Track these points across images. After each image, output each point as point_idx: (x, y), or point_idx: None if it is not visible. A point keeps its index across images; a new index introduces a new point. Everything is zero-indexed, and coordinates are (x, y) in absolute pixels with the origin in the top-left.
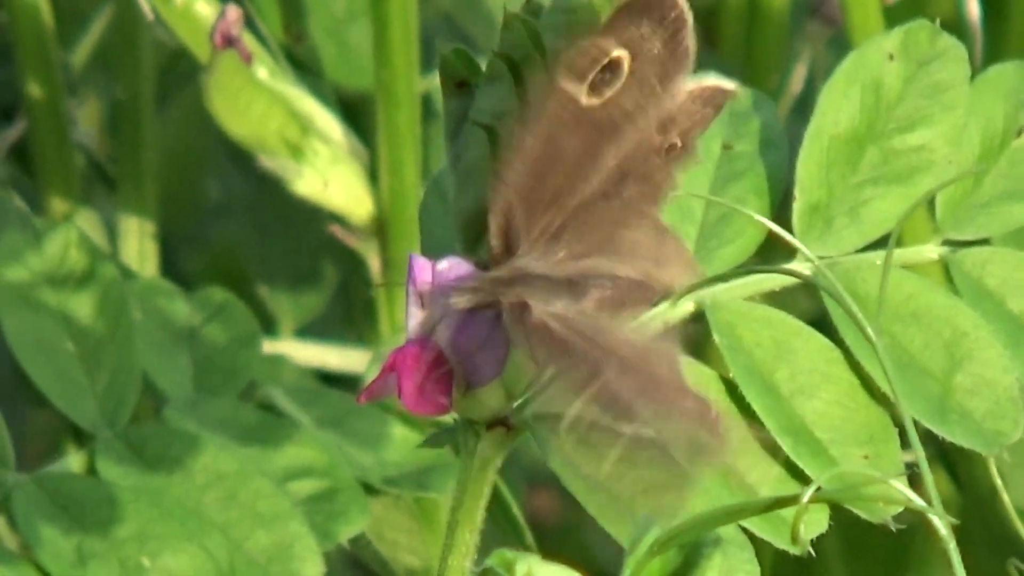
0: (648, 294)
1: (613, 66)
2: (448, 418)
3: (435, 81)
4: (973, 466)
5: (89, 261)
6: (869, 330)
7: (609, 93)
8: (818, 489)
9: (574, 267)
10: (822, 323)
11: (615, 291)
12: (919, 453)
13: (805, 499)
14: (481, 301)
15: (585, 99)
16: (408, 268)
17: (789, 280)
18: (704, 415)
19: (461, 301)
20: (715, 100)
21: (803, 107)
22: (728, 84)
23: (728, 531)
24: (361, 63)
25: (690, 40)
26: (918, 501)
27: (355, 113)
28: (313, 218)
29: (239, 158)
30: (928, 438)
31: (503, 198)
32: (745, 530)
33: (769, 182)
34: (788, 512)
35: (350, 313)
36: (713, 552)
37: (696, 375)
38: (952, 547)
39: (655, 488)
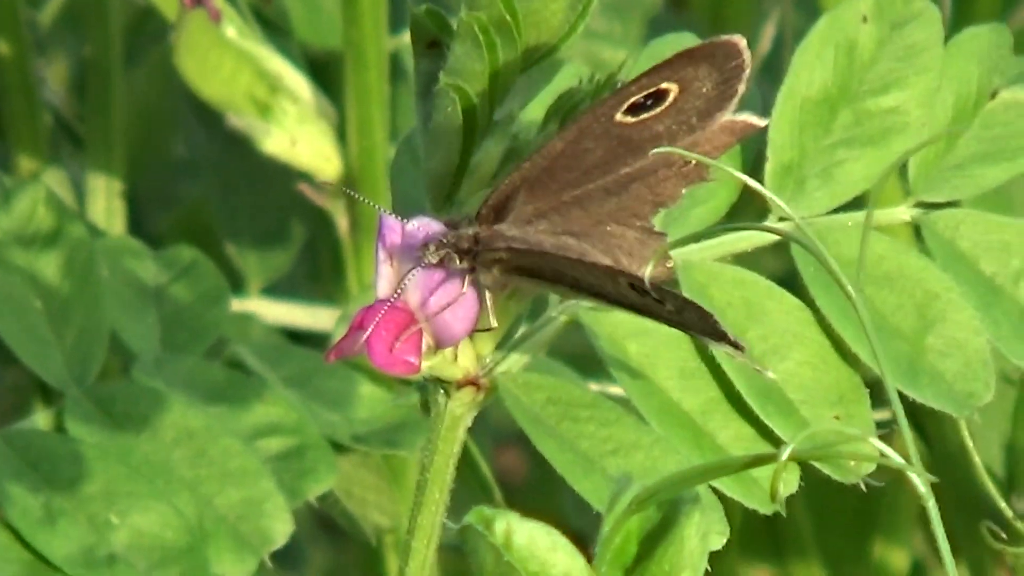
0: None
1: (659, 95)
2: (418, 377)
3: (404, 40)
4: (941, 426)
5: (57, 219)
6: (849, 287)
7: (645, 115)
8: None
9: (546, 240)
10: (787, 286)
11: None
12: (898, 410)
13: (783, 457)
14: (451, 255)
15: (620, 116)
16: (378, 227)
17: (762, 240)
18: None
19: (430, 256)
20: (743, 133)
21: (771, 67)
22: (760, 121)
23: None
24: (330, 22)
25: (742, 87)
26: (897, 458)
27: (324, 72)
28: (281, 177)
29: (206, 117)
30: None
31: (512, 183)
32: (715, 491)
33: (742, 143)
34: (759, 472)
35: (317, 271)
36: (692, 510)
37: (666, 335)
38: (931, 504)
39: (624, 447)
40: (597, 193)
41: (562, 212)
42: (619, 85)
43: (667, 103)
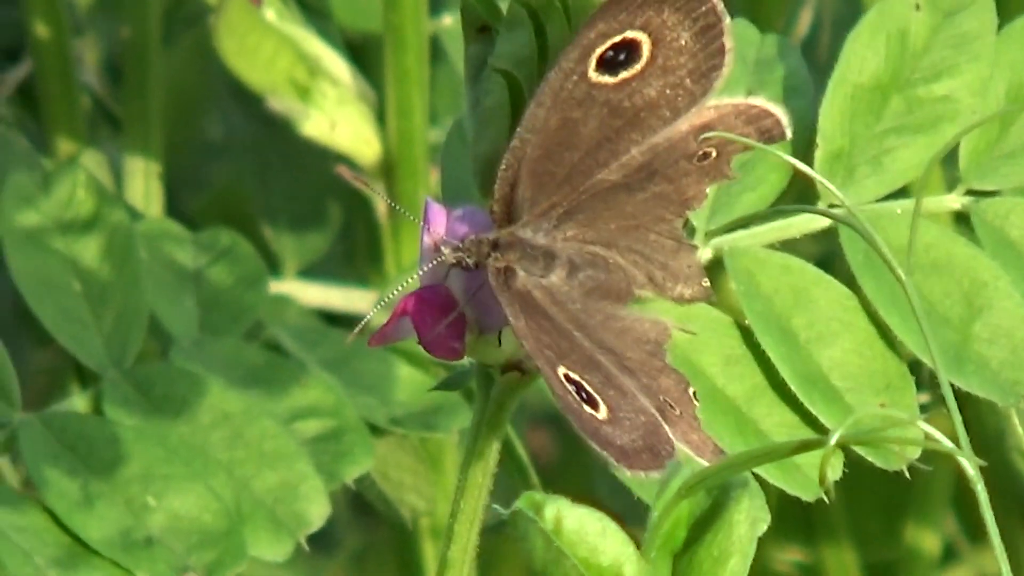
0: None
1: (629, 47)
2: (462, 362)
3: (444, 23)
4: (980, 411)
5: (96, 202)
6: (900, 272)
7: (625, 75)
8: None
9: (576, 248)
10: (830, 273)
11: (607, 281)
12: (947, 394)
13: (832, 442)
14: (465, 260)
15: (594, 75)
16: (423, 213)
17: (810, 226)
18: (682, 395)
19: (448, 257)
20: (759, 121)
21: (809, 51)
22: (775, 109)
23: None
24: (369, 5)
25: (726, 39)
26: (947, 443)
27: (363, 55)
28: (317, 159)
29: (243, 99)
30: (932, 384)
31: (509, 168)
32: (755, 476)
33: (793, 129)
34: (801, 459)
35: (352, 254)
36: (741, 495)
37: (712, 321)
38: (980, 488)
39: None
40: (618, 188)
41: (587, 211)
42: None
43: (644, 58)
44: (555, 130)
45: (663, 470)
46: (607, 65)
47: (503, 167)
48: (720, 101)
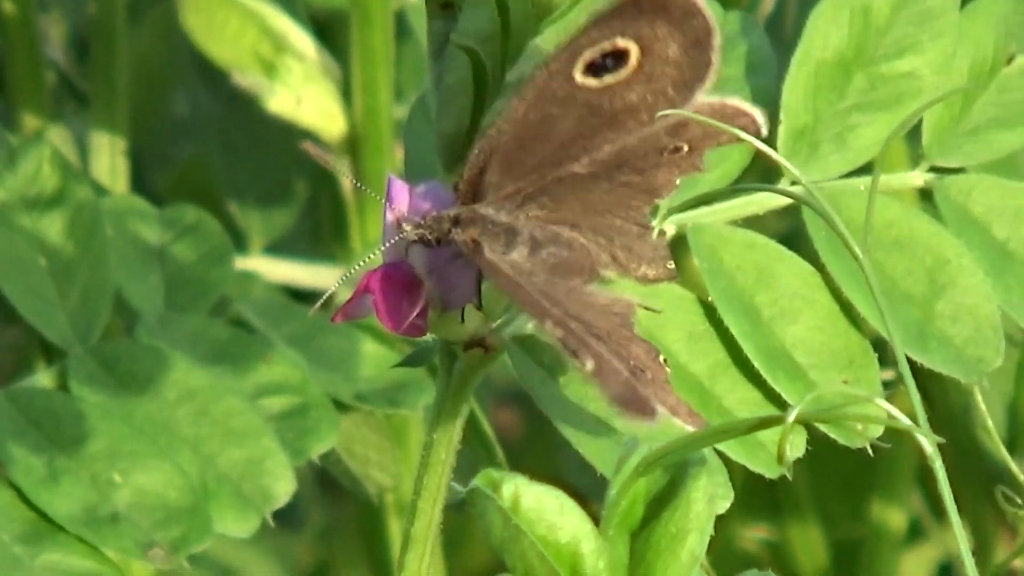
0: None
1: (617, 54)
2: (425, 338)
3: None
4: (943, 386)
5: (62, 178)
6: (857, 249)
7: (610, 80)
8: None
9: (538, 227)
10: (791, 249)
11: (570, 259)
12: (906, 374)
13: (790, 419)
14: (426, 236)
15: (580, 77)
16: (386, 190)
17: (772, 204)
18: (652, 361)
19: (410, 233)
20: (734, 120)
21: (774, 29)
22: (752, 110)
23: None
24: None
25: (715, 55)
26: (904, 420)
27: (329, 31)
28: (283, 135)
29: (210, 75)
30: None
31: (481, 153)
32: (720, 454)
33: (756, 106)
34: (764, 436)
35: (318, 231)
36: (699, 472)
37: (675, 298)
38: (938, 465)
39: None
40: (586, 177)
41: (552, 196)
42: None
43: (630, 66)
44: (532, 123)
45: (653, 421)
46: (593, 69)
47: (475, 151)
48: (696, 99)
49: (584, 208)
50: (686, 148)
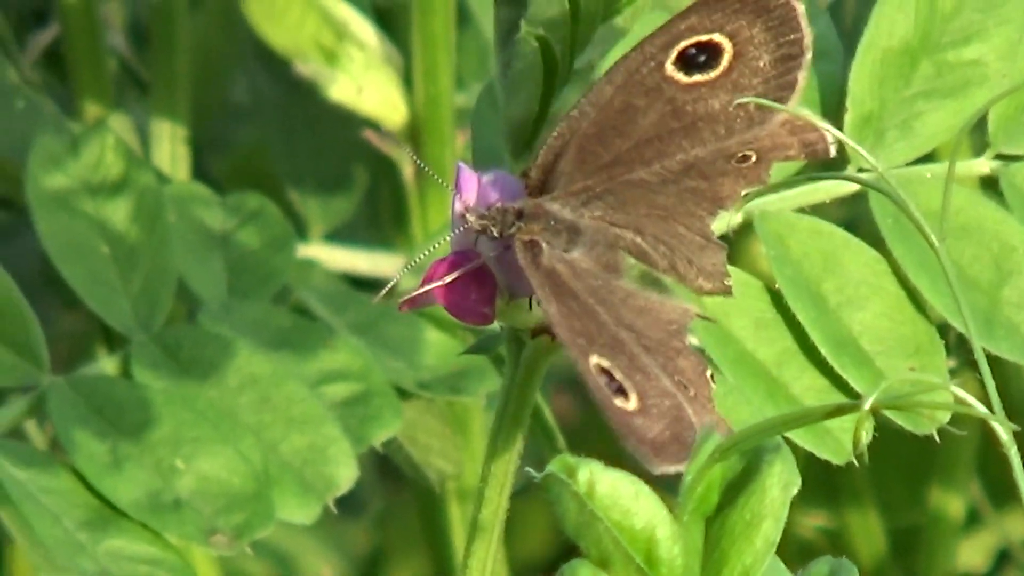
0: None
1: (712, 52)
2: (493, 326)
3: None
4: (1006, 375)
5: (125, 166)
6: (932, 236)
7: (699, 77)
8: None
9: (602, 228)
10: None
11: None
12: (980, 359)
13: (867, 406)
14: (490, 228)
15: (671, 68)
16: (455, 178)
17: (839, 191)
18: (699, 377)
19: (474, 223)
20: (803, 133)
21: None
22: (823, 126)
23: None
24: None
25: (801, 74)
26: (980, 408)
27: (390, 19)
28: (343, 123)
29: (270, 62)
30: (960, 349)
31: (561, 137)
32: (785, 440)
33: (822, 94)
34: (831, 423)
35: (378, 218)
36: (774, 459)
37: (742, 285)
38: (1013, 452)
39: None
40: (652, 179)
41: (619, 196)
42: None
43: (721, 67)
44: (615, 111)
45: (688, 461)
46: (686, 62)
47: (555, 133)
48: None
49: (649, 212)
50: (754, 157)
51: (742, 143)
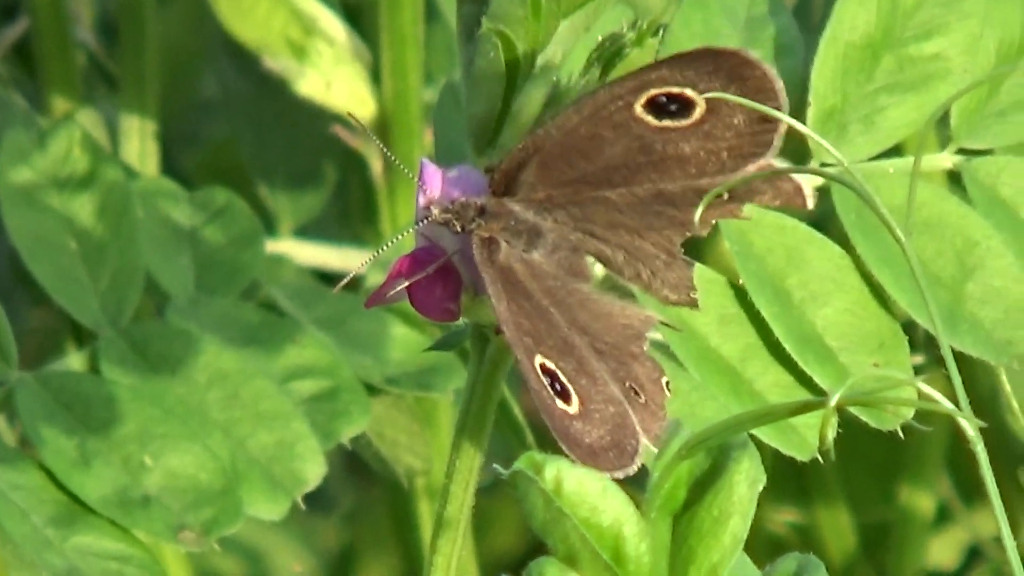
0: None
1: (684, 103)
2: (457, 322)
3: None
4: (973, 371)
5: (93, 161)
6: (898, 231)
7: (669, 123)
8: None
9: (564, 231)
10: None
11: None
12: (947, 355)
13: (832, 403)
14: (453, 222)
15: (640, 110)
16: (419, 174)
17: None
18: (652, 384)
19: (437, 217)
20: (779, 181)
21: (802, 11)
22: (803, 183)
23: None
24: None
25: (778, 139)
26: (947, 404)
27: (358, 14)
28: (313, 118)
29: (239, 57)
30: (925, 345)
31: (524, 150)
32: (752, 437)
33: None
34: (797, 419)
35: (348, 214)
36: (741, 455)
37: (705, 281)
38: (980, 448)
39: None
40: (620, 201)
41: (582, 208)
42: (661, 32)
43: (693, 118)
44: (581, 138)
45: (628, 469)
46: (656, 108)
47: (519, 146)
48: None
49: (614, 228)
50: (726, 195)
51: (713, 184)
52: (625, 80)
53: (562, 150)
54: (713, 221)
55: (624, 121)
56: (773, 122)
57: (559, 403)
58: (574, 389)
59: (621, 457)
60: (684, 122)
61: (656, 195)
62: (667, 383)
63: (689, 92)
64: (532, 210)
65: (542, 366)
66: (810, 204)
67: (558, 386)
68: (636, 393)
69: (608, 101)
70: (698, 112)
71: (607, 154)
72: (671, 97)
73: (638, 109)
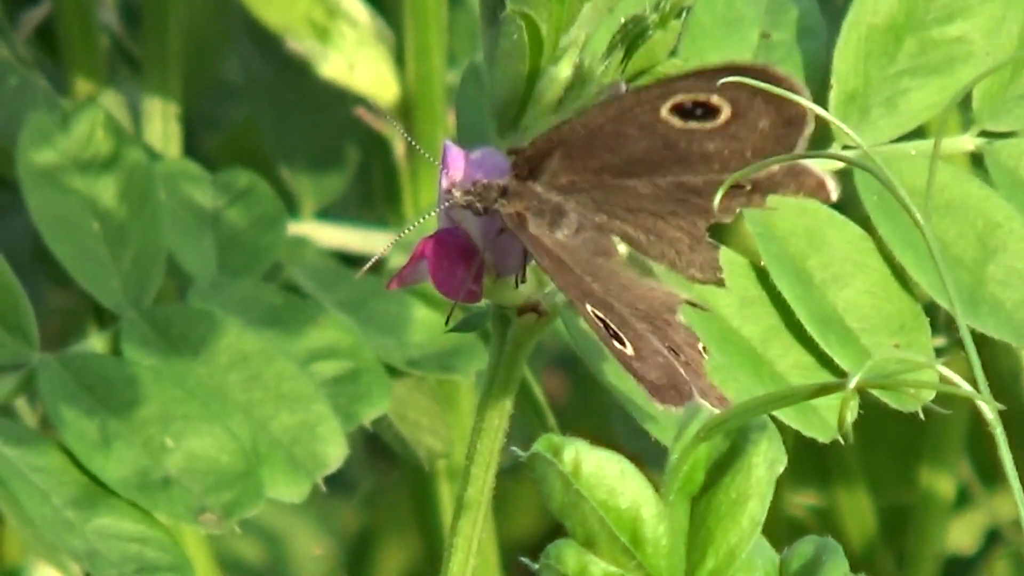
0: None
1: (710, 108)
2: (479, 304)
3: None
4: (994, 353)
5: (115, 143)
6: (918, 215)
7: (695, 126)
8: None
9: (587, 212)
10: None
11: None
12: (966, 337)
13: (851, 385)
14: (475, 204)
15: (665, 112)
16: (442, 156)
17: (825, 168)
18: (690, 348)
19: (459, 199)
20: (801, 175)
21: None
22: (824, 176)
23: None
24: None
25: (804, 141)
26: (965, 386)
27: None
28: (334, 100)
29: (262, 39)
30: (946, 327)
31: (550, 140)
32: (772, 419)
33: (806, 71)
34: (818, 401)
35: (370, 196)
36: (759, 438)
37: (727, 263)
38: (999, 431)
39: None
40: (643, 190)
41: (606, 192)
42: (684, 14)
43: (718, 123)
44: (606, 134)
45: (689, 405)
46: (682, 112)
47: (544, 135)
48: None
49: (637, 212)
50: (750, 187)
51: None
52: (651, 88)
53: (586, 143)
54: (737, 209)
55: (650, 122)
56: (798, 125)
57: (617, 345)
58: (626, 337)
59: (681, 396)
60: (710, 125)
61: (679, 185)
62: (704, 347)
63: (715, 99)
64: (555, 192)
65: (593, 313)
66: (833, 196)
67: (611, 331)
68: (676, 354)
69: (634, 104)
70: (723, 117)
71: (631, 149)
72: (697, 104)
73: (664, 112)
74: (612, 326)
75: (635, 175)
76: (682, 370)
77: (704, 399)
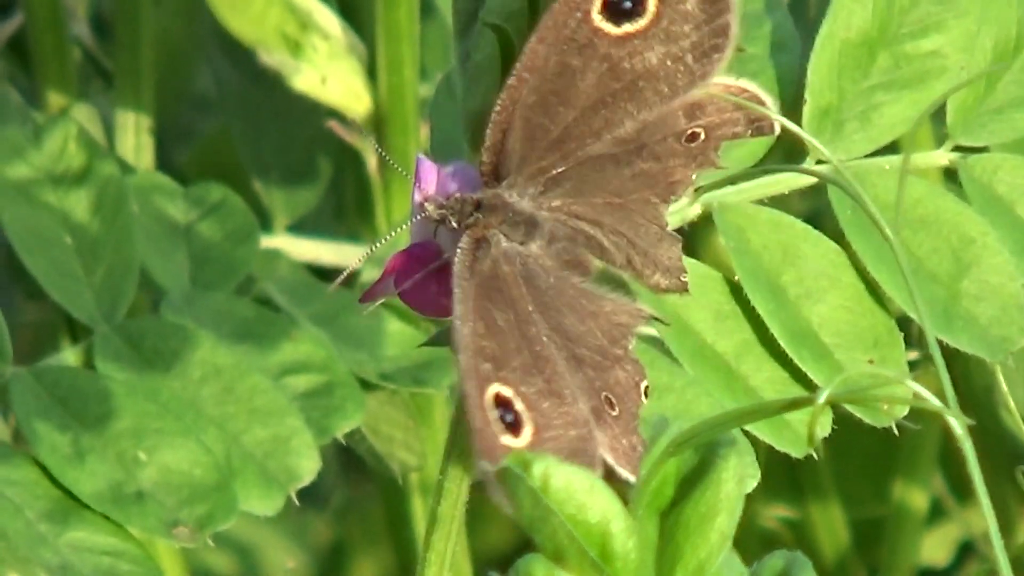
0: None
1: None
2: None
3: None
4: (968, 368)
5: (88, 156)
6: (887, 230)
7: (628, 28)
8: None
9: (560, 220)
10: (819, 228)
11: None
12: (935, 353)
13: (821, 400)
14: (448, 218)
15: (597, 17)
16: (415, 170)
17: (798, 183)
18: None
19: (432, 213)
20: (747, 104)
21: (797, 8)
22: (763, 94)
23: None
24: None
25: (731, 17)
26: (935, 401)
27: (353, 10)
28: (307, 113)
29: (234, 52)
30: (921, 341)
31: (504, 111)
32: (745, 433)
33: (780, 85)
34: (790, 415)
35: (343, 209)
36: (728, 453)
37: (701, 277)
38: (968, 446)
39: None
40: (607, 160)
41: (574, 181)
42: None
43: (649, 14)
44: (553, 75)
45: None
46: (611, 11)
47: (497, 109)
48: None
49: (606, 199)
50: (703, 135)
51: (689, 116)
52: None
53: (539, 97)
54: (693, 176)
55: (587, 39)
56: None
57: (503, 439)
58: (532, 416)
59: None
60: (642, 22)
61: (639, 149)
62: (646, 388)
63: None
64: (528, 196)
65: (497, 395)
66: (776, 129)
67: (511, 417)
68: (610, 405)
69: (567, 15)
70: (652, 4)
71: (581, 89)
72: None
73: (596, 18)
74: (517, 406)
75: (595, 131)
76: (608, 431)
77: (619, 463)
